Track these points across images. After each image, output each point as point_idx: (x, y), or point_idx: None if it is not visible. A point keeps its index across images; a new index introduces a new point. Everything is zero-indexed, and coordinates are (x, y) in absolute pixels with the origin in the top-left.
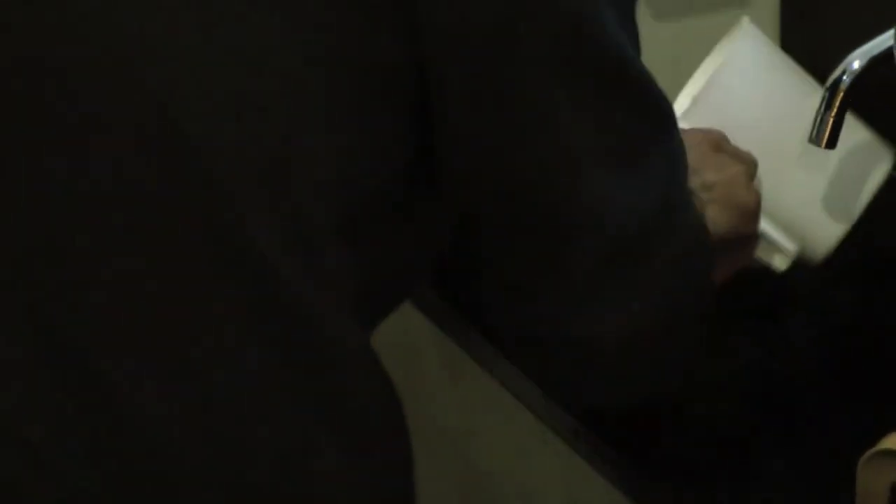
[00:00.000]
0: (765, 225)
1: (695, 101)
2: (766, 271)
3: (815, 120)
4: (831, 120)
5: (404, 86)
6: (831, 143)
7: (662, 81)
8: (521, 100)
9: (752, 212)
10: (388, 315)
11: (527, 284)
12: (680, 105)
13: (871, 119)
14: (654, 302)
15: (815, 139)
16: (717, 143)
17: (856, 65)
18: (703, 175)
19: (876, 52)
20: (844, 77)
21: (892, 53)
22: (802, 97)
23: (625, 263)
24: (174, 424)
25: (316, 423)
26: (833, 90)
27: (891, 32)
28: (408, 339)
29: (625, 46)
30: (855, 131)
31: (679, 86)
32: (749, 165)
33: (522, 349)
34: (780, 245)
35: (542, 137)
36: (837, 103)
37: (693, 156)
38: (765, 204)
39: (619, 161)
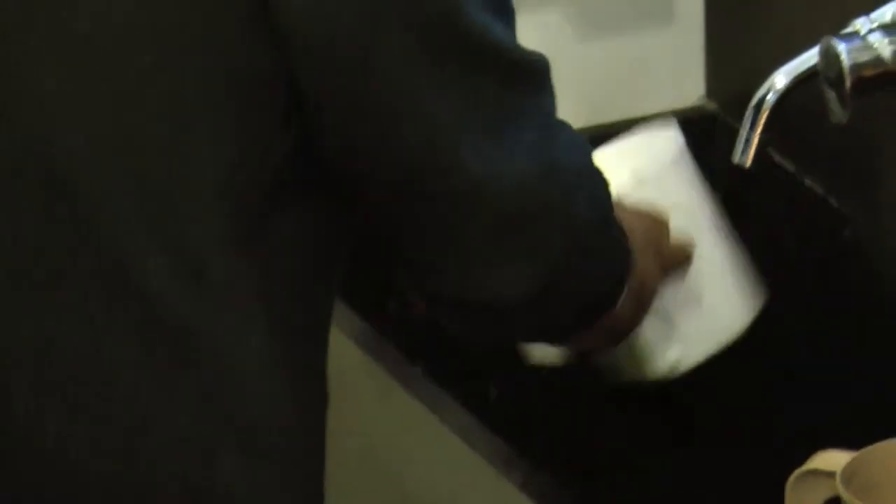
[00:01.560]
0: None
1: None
2: None
3: (740, 139)
4: (755, 140)
5: (277, 91)
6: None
7: (591, 100)
8: (387, 90)
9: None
10: (317, 320)
11: (427, 258)
12: (619, 179)
13: (796, 139)
14: (557, 261)
15: (739, 159)
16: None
17: (780, 83)
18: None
19: (801, 70)
20: (769, 96)
21: (816, 72)
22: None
23: (516, 227)
24: (75, 449)
25: (215, 435)
26: (758, 109)
27: (815, 50)
28: (335, 364)
29: (487, 25)
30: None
31: (606, 103)
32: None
33: (443, 318)
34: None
35: (411, 123)
36: (762, 122)
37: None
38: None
39: (492, 133)
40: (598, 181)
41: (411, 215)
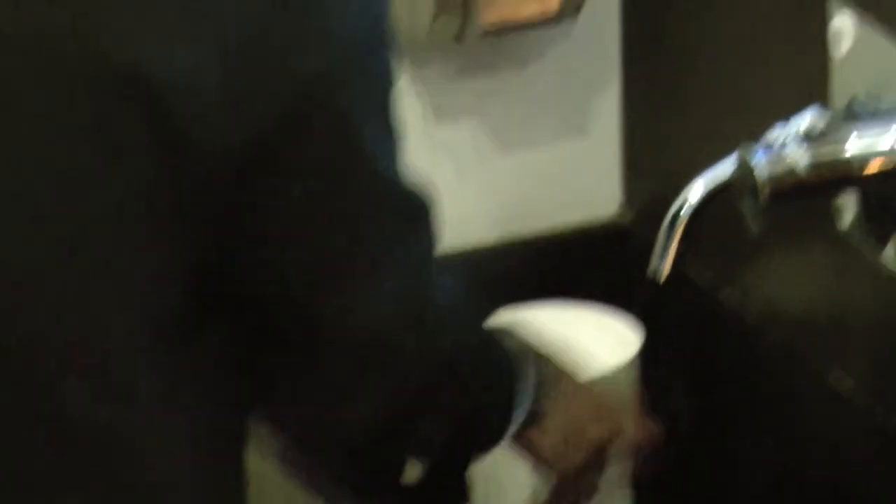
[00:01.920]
0: None
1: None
2: None
3: (656, 251)
4: (672, 252)
5: (181, 213)
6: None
7: (507, 212)
8: (273, 217)
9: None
10: (239, 437)
11: (289, 389)
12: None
13: (711, 252)
14: (410, 402)
15: (653, 271)
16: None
17: (696, 195)
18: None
19: (716, 181)
20: (684, 208)
21: (731, 182)
22: None
23: (369, 368)
24: None
25: None
26: (673, 221)
27: (730, 161)
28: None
29: (380, 156)
30: None
31: (523, 216)
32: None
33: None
34: None
35: (271, 266)
36: (678, 234)
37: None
38: None
39: (366, 272)
40: (471, 330)
41: (274, 346)
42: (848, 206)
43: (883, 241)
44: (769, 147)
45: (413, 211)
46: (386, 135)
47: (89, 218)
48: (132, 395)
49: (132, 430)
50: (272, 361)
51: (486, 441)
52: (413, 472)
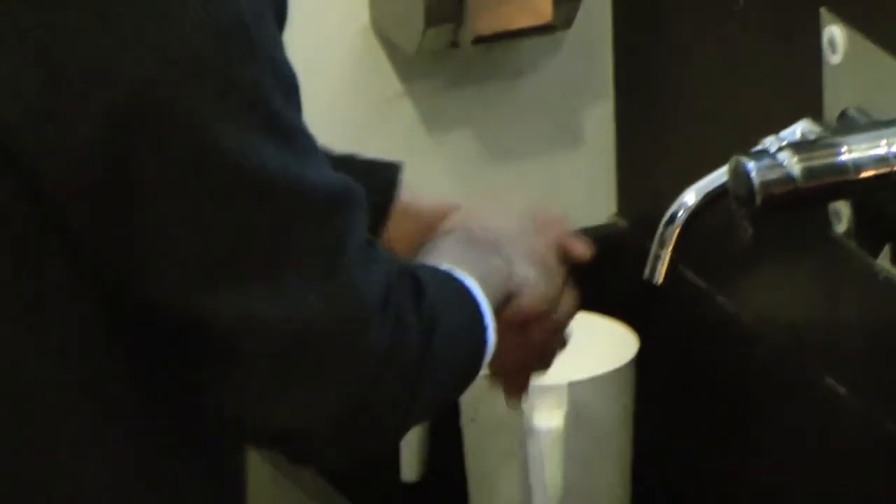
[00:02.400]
0: None
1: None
2: None
3: (651, 256)
4: (667, 257)
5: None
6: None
7: None
8: (139, 229)
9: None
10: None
11: (217, 395)
12: None
13: (707, 257)
14: (354, 390)
15: (648, 276)
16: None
17: (690, 201)
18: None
19: (710, 188)
20: (679, 213)
21: (726, 190)
22: None
23: (290, 364)
24: None
25: None
26: (668, 226)
27: (724, 168)
28: None
29: (252, 158)
30: None
31: None
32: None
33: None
34: None
35: (164, 264)
36: (673, 240)
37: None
38: None
39: (258, 272)
40: (409, 304)
41: (190, 348)
42: (842, 213)
43: (877, 247)
44: (763, 155)
45: (319, 202)
46: (269, 136)
47: None
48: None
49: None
50: (190, 367)
51: (459, 384)
52: (411, 471)
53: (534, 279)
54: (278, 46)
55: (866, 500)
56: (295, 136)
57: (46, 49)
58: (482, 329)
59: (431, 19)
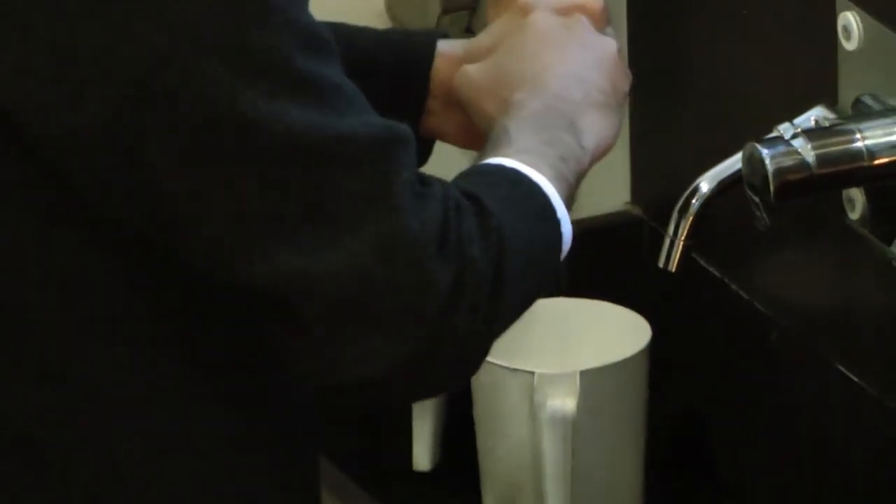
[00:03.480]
0: None
1: None
2: None
3: (665, 243)
4: (680, 245)
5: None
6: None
7: None
8: (172, 197)
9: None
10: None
11: (280, 345)
12: None
13: (722, 244)
14: (421, 334)
15: (662, 263)
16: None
17: (705, 188)
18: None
19: (725, 175)
20: (693, 201)
21: (741, 177)
22: None
23: (353, 311)
24: None
25: None
26: (682, 213)
27: (739, 156)
28: None
29: (274, 114)
30: None
31: None
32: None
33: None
34: None
35: (206, 225)
36: (687, 227)
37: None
38: None
39: (301, 226)
40: (472, 234)
41: (246, 304)
42: (857, 200)
43: (891, 234)
44: (778, 142)
45: (358, 148)
46: (295, 94)
47: None
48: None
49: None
50: (251, 334)
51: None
52: (424, 460)
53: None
54: (298, 5)
55: (881, 486)
56: (324, 89)
57: (54, 32)
58: (557, 227)
59: (447, 6)
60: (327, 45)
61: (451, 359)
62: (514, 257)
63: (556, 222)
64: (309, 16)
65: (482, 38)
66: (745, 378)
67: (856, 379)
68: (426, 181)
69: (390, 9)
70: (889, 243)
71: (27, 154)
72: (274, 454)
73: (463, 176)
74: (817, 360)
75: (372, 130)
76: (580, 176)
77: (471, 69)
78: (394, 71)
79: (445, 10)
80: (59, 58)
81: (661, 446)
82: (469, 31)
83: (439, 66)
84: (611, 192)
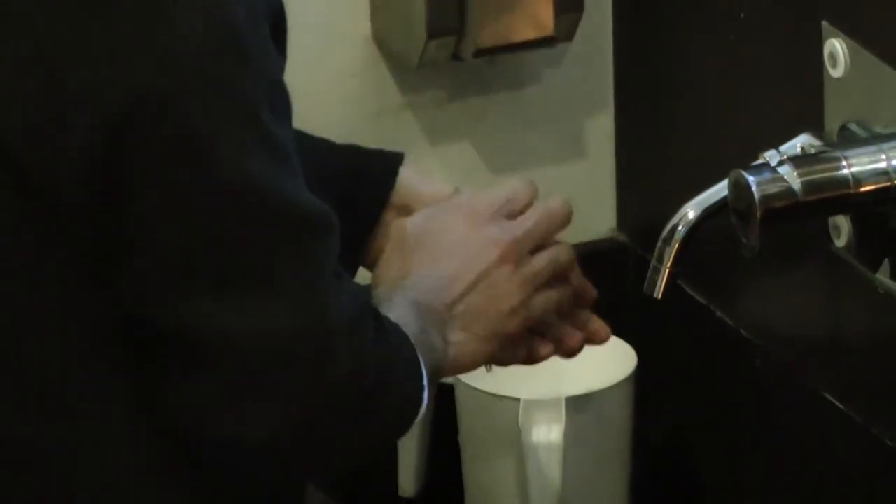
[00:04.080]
0: None
1: None
2: None
3: (651, 270)
4: (666, 271)
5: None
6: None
7: None
8: (128, 229)
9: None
10: None
11: (170, 397)
12: None
13: (707, 271)
14: (304, 411)
15: (648, 290)
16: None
17: (691, 215)
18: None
19: (711, 202)
20: (679, 227)
21: (727, 203)
22: None
23: (261, 381)
24: None
25: None
26: (668, 240)
27: (725, 182)
28: None
29: (241, 166)
30: None
31: None
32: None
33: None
34: None
35: (148, 262)
36: (673, 254)
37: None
38: None
39: (236, 284)
40: (370, 338)
41: (159, 351)
42: (842, 227)
43: (877, 261)
44: (764, 168)
45: (302, 225)
46: (262, 150)
47: None
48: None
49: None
50: (157, 362)
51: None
52: (409, 486)
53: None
54: (273, 60)
55: None
56: (282, 152)
57: (45, 57)
58: (420, 389)
59: (433, 31)
60: (287, 108)
61: (318, 446)
62: (392, 382)
63: (421, 388)
64: (279, 73)
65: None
66: (731, 405)
67: (841, 406)
68: (342, 275)
69: (377, 35)
70: (874, 270)
71: (18, 177)
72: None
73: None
74: (803, 386)
75: (314, 208)
76: (436, 374)
77: (406, 226)
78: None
79: (432, 36)
80: (46, 83)
81: (646, 472)
82: (456, 58)
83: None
84: (597, 218)
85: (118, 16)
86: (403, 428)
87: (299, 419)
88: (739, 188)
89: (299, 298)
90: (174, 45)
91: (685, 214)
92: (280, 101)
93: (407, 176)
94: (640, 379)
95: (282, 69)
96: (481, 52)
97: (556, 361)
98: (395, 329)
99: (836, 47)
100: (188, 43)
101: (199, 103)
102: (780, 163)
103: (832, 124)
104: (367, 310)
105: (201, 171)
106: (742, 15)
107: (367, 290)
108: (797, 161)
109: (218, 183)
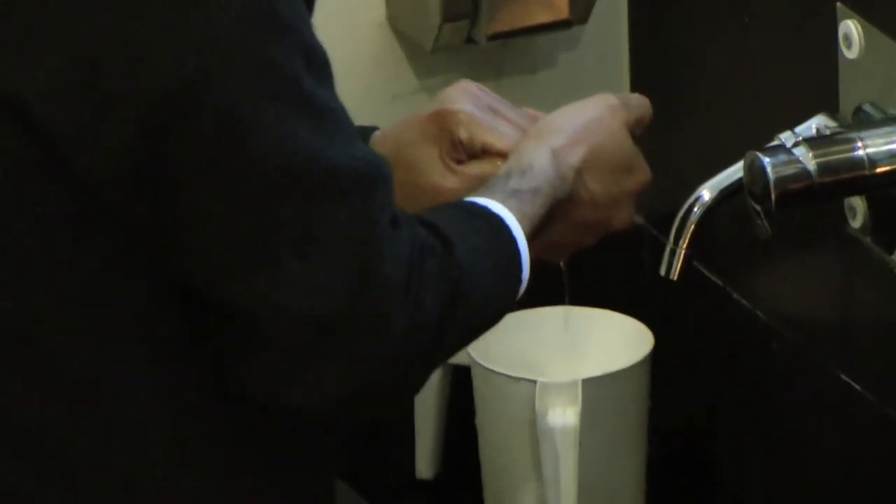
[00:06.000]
0: None
1: None
2: None
3: (667, 252)
4: (682, 253)
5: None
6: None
7: None
8: (178, 212)
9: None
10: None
11: (235, 369)
12: None
13: (724, 254)
14: (374, 369)
15: (664, 272)
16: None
17: (706, 197)
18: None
19: (726, 184)
20: (695, 209)
21: (742, 185)
22: None
23: (319, 351)
24: None
25: None
26: (683, 222)
27: (740, 164)
28: None
29: (283, 140)
30: None
31: None
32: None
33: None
34: None
35: (203, 242)
36: (688, 236)
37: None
38: None
39: (289, 255)
40: (432, 278)
41: (221, 326)
42: (858, 208)
43: (892, 243)
44: (779, 150)
45: (348, 183)
46: (303, 117)
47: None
48: (91, 393)
49: (92, 429)
50: (221, 339)
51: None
52: (427, 469)
53: (593, 190)
54: (307, 25)
55: (882, 496)
56: (326, 114)
57: (83, 45)
58: (517, 266)
59: (448, 15)
60: (327, 68)
61: (387, 394)
62: (464, 310)
63: (518, 280)
64: (314, 37)
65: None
66: (747, 386)
67: (857, 387)
68: (397, 221)
69: (391, 19)
70: (890, 251)
71: (62, 168)
72: (289, 476)
73: (448, 210)
74: (819, 368)
75: (360, 164)
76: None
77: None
78: None
79: (446, 19)
80: (88, 72)
81: (662, 453)
82: (471, 40)
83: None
84: None
85: (155, 1)
86: (500, 315)
87: (360, 381)
88: (755, 170)
89: (353, 259)
90: (212, 25)
91: (700, 196)
92: (318, 61)
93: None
94: (656, 361)
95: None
96: (496, 36)
97: (572, 343)
98: (475, 220)
99: (851, 28)
100: (226, 22)
101: (240, 81)
102: (795, 144)
103: (847, 106)
104: (427, 240)
105: (246, 148)
106: None
107: (436, 213)
108: (812, 143)
109: (263, 158)
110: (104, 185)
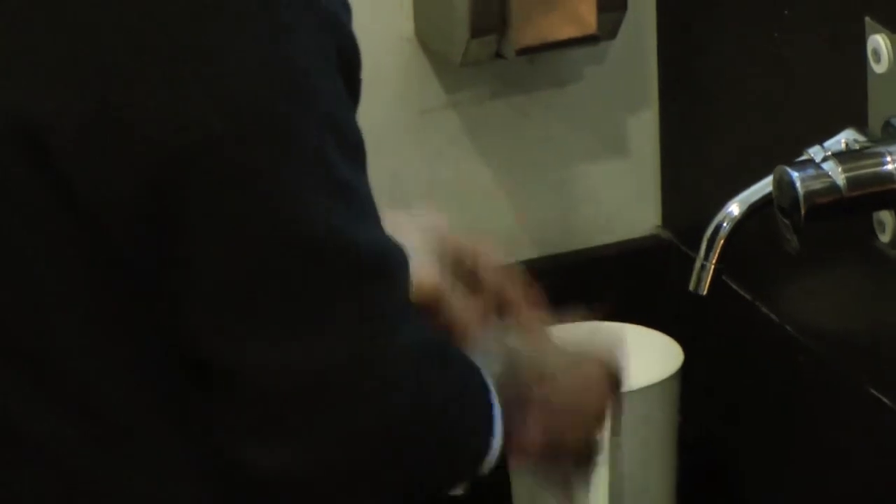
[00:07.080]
0: None
1: None
2: None
3: (696, 267)
4: (711, 268)
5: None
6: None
7: (546, 228)
8: (183, 268)
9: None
10: None
11: (221, 424)
12: None
13: (752, 268)
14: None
15: (693, 287)
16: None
17: (735, 212)
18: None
19: (755, 198)
20: (724, 224)
21: (771, 200)
22: None
23: (311, 419)
24: None
25: None
26: (713, 237)
27: (769, 179)
28: None
29: (302, 211)
30: None
31: (562, 233)
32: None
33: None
34: None
35: (205, 302)
36: (718, 251)
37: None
38: None
39: (297, 329)
40: (440, 378)
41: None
42: (887, 222)
43: None
44: (808, 164)
45: (363, 269)
46: (325, 190)
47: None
48: (90, 410)
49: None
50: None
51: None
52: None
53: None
54: (342, 103)
55: None
56: (350, 194)
57: (105, 92)
58: (490, 423)
59: (476, 30)
60: (360, 150)
61: (370, 486)
62: (455, 420)
63: (491, 424)
64: (351, 115)
65: None
66: (776, 400)
67: (886, 400)
68: (407, 312)
69: (420, 34)
70: None
71: (70, 202)
72: None
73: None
74: (848, 382)
75: (381, 248)
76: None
77: None
78: None
79: (474, 35)
80: (101, 112)
81: (692, 468)
82: (499, 56)
83: None
84: (641, 216)
85: (173, 50)
86: (467, 468)
87: (351, 459)
88: (783, 184)
89: (360, 342)
90: (226, 82)
91: (730, 211)
92: (351, 141)
93: None
94: (686, 376)
95: (354, 109)
96: (524, 51)
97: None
98: (465, 364)
99: (880, 43)
100: (241, 81)
101: (253, 142)
102: (824, 159)
103: (876, 120)
104: (433, 345)
105: (259, 216)
106: (785, 12)
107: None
108: (841, 157)
109: (277, 228)
110: (111, 225)
